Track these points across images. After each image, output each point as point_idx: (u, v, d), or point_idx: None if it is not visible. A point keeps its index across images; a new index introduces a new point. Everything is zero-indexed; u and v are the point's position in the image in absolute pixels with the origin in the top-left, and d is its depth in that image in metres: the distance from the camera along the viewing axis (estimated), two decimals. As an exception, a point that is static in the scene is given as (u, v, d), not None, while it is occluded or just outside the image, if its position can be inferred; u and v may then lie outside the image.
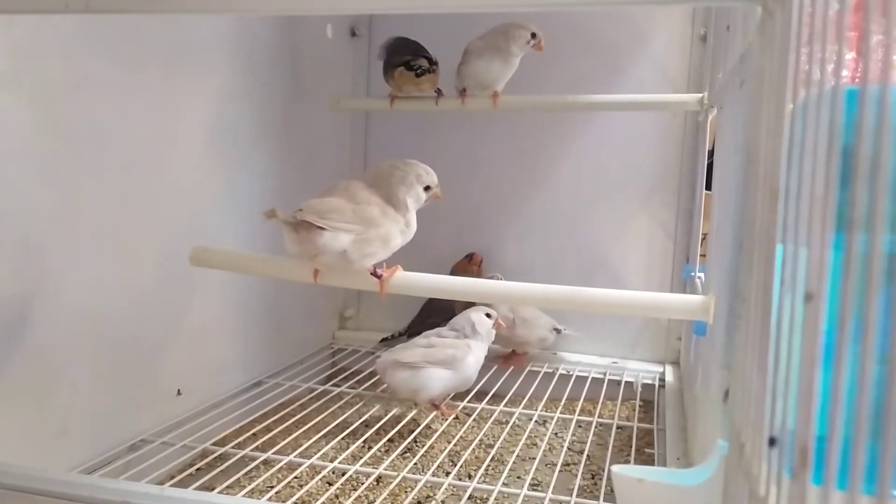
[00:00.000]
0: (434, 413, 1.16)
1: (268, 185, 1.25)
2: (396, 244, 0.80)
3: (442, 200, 0.87)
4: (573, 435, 1.16)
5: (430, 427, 1.13)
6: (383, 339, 1.48)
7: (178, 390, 1.05)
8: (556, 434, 1.18)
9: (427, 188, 0.84)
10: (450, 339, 1.13)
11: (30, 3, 0.64)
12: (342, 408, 1.20)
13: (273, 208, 0.73)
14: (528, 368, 1.39)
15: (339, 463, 0.97)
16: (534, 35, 1.22)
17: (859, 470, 0.27)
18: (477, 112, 1.40)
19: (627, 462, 1.03)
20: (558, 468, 0.99)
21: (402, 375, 1.10)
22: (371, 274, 0.79)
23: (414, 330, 1.44)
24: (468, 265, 1.45)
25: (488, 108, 1.27)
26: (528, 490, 0.87)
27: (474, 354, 1.12)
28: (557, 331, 1.41)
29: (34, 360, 0.81)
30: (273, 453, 0.96)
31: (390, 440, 1.07)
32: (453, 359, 1.10)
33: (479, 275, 1.43)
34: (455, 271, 1.43)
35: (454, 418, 1.17)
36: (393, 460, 0.98)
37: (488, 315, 1.16)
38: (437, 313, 1.41)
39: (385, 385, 1.22)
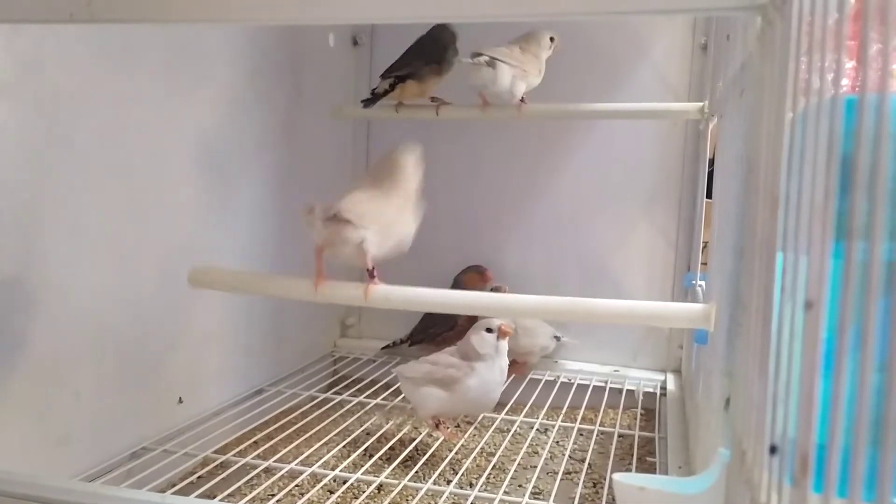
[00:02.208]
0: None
1: (269, 194, 1.26)
2: (409, 235, 0.86)
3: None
4: (574, 443, 1.16)
5: (431, 435, 1.13)
6: (385, 347, 1.47)
7: (180, 398, 1.05)
8: (557, 442, 1.18)
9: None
10: (454, 360, 1.06)
11: (34, 13, 0.64)
12: (343, 416, 1.20)
13: (310, 204, 0.78)
14: (529, 376, 1.39)
15: (341, 471, 0.96)
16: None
17: (859, 478, 0.27)
18: (477, 121, 1.40)
19: (629, 470, 1.03)
20: (560, 476, 0.98)
21: (406, 388, 1.09)
22: (368, 271, 0.80)
23: (416, 339, 1.44)
24: (480, 282, 1.40)
25: (497, 117, 1.28)
26: (530, 498, 0.87)
27: (479, 377, 1.03)
28: (557, 339, 1.41)
29: (36, 369, 0.81)
30: (274, 461, 0.96)
31: (391, 448, 1.07)
32: (450, 380, 1.03)
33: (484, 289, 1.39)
34: (463, 284, 1.39)
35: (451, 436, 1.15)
36: (394, 469, 0.98)
37: (489, 329, 1.06)
38: (439, 322, 1.41)
39: (386, 394, 1.23)
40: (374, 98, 1.27)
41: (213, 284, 0.86)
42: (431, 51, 1.28)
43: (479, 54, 1.19)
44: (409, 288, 0.76)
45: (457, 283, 1.40)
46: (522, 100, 1.25)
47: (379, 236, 0.79)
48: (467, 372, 1.03)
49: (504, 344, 1.06)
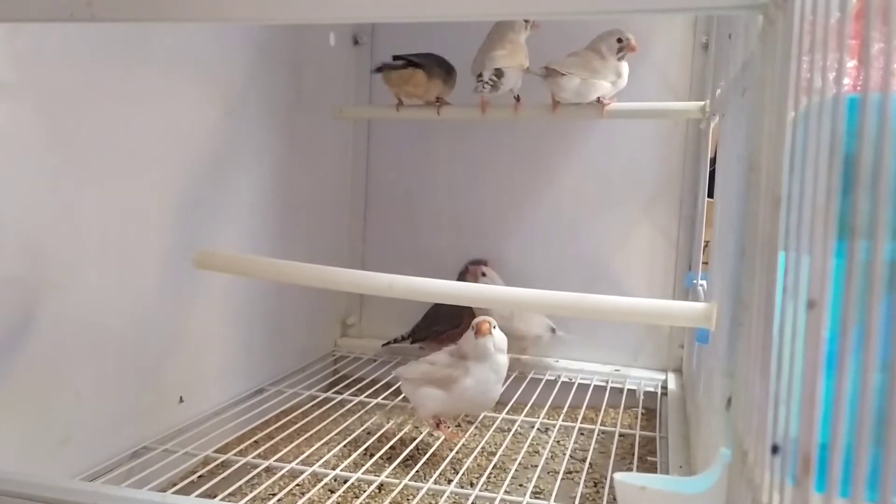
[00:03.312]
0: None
1: (269, 193, 1.26)
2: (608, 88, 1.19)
3: (637, 51, 1.21)
4: (575, 443, 1.16)
5: (432, 435, 1.13)
6: (386, 344, 1.47)
7: (181, 398, 1.05)
8: (558, 442, 1.18)
9: (619, 40, 1.19)
10: (451, 359, 1.06)
11: (35, 12, 0.64)
12: (344, 415, 1.20)
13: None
14: (530, 376, 1.39)
15: (341, 470, 0.96)
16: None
17: (862, 477, 0.27)
18: (475, 120, 1.40)
19: (630, 470, 1.03)
20: (560, 476, 0.98)
21: (406, 389, 1.09)
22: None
23: (419, 336, 1.44)
24: (484, 275, 1.42)
25: (499, 117, 1.28)
26: (531, 498, 0.87)
27: (474, 377, 1.02)
28: (553, 331, 1.40)
29: (37, 368, 0.81)
30: (275, 461, 0.96)
31: (392, 448, 1.07)
32: (448, 379, 1.03)
33: None
34: (468, 279, 1.40)
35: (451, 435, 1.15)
36: (395, 468, 0.98)
37: (472, 327, 1.04)
38: (444, 319, 1.41)
39: (386, 393, 1.22)
40: (385, 66, 1.26)
41: (218, 267, 0.86)
42: (442, 63, 1.29)
43: (480, 76, 1.19)
44: (413, 278, 0.76)
45: (461, 279, 1.40)
46: (517, 98, 1.25)
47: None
48: (463, 372, 1.03)
49: (486, 341, 1.02)
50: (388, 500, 0.92)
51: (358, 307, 1.61)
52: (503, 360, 1.04)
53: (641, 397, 1.33)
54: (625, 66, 1.21)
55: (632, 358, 1.46)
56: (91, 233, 0.88)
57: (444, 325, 1.41)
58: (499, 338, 1.04)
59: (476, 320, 1.05)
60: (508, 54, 1.21)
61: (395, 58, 1.28)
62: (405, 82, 1.27)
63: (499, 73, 1.18)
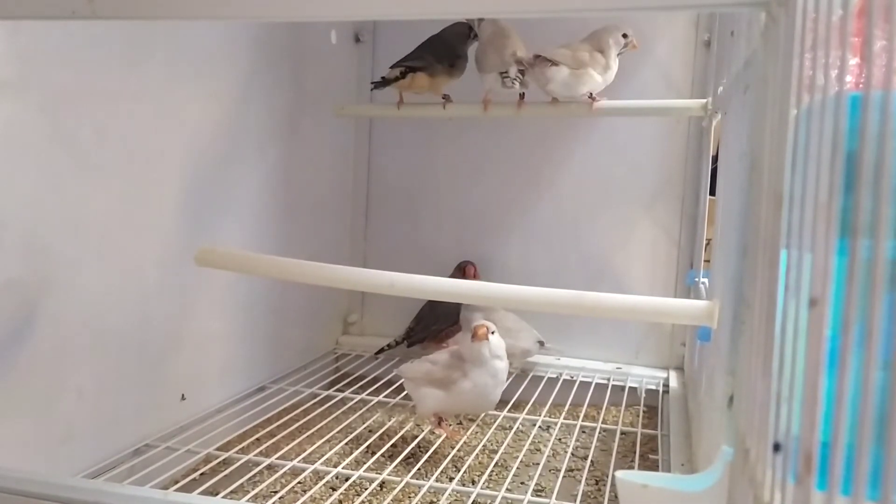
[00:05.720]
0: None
1: (271, 191, 1.26)
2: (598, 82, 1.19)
3: (637, 49, 1.23)
4: (577, 441, 1.16)
5: (433, 433, 1.13)
6: (379, 352, 1.44)
7: (182, 395, 1.06)
8: (559, 440, 1.18)
9: (625, 35, 1.20)
10: (452, 360, 1.06)
11: (36, 10, 0.64)
12: (346, 413, 1.20)
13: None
14: (531, 374, 1.39)
15: (343, 468, 0.97)
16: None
17: (863, 475, 0.27)
18: (479, 119, 1.40)
19: (631, 468, 1.03)
20: (562, 474, 0.98)
21: (408, 386, 1.10)
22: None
23: (416, 338, 1.43)
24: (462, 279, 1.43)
25: (502, 114, 1.28)
26: (532, 496, 0.87)
27: (471, 381, 1.02)
28: (541, 343, 1.39)
29: (39, 366, 0.81)
30: (276, 458, 0.96)
31: (394, 445, 1.07)
32: (448, 381, 1.03)
33: None
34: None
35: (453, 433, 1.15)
36: (396, 466, 0.98)
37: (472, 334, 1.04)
38: (442, 318, 1.40)
39: (388, 391, 1.22)
40: (383, 82, 1.27)
41: (219, 264, 0.86)
42: (443, 52, 1.28)
43: (506, 74, 1.19)
44: (415, 276, 0.76)
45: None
46: (522, 96, 1.25)
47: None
48: (461, 374, 1.03)
49: (482, 346, 1.01)
50: (390, 497, 0.92)
51: (359, 305, 1.61)
52: (501, 365, 1.03)
53: (643, 395, 1.33)
54: (616, 62, 1.21)
55: (633, 356, 1.45)
56: (93, 230, 0.88)
57: (443, 323, 1.40)
58: (496, 343, 1.03)
59: (474, 324, 1.04)
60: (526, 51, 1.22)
61: (393, 66, 1.27)
62: (408, 87, 1.27)
63: (523, 71, 1.19)
